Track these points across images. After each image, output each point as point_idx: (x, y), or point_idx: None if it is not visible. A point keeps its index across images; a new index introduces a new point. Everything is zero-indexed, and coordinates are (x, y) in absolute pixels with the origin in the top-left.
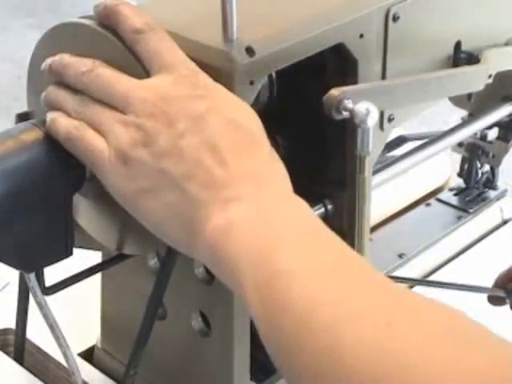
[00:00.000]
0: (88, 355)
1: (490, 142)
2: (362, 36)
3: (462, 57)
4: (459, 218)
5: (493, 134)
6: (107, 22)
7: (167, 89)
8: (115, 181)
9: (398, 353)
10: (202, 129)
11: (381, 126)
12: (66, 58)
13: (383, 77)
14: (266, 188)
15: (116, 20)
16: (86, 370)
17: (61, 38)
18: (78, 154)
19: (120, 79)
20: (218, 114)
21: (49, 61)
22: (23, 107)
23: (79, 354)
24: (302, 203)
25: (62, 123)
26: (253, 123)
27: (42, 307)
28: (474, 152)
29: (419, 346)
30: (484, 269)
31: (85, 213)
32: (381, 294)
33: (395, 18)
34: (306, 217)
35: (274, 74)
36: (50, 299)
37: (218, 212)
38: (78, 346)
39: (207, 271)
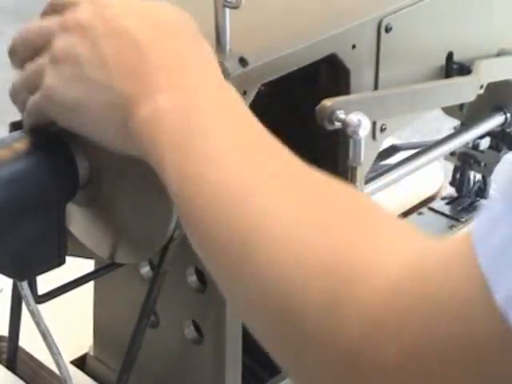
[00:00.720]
0: (80, 363)
1: (482, 152)
2: (354, 47)
3: (453, 67)
4: (451, 227)
5: (485, 143)
6: None
7: (79, 8)
8: (53, 109)
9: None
10: (116, 29)
11: (373, 135)
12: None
13: (375, 87)
14: (189, 76)
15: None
16: (78, 377)
17: None
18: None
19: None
20: (131, 11)
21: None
22: (16, 112)
23: (72, 362)
24: (231, 90)
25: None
26: (169, 15)
27: (35, 315)
28: (466, 161)
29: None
30: None
31: (77, 221)
32: (290, 171)
33: (388, 29)
34: (231, 103)
35: None
36: (42, 307)
37: (145, 103)
38: (70, 353)
39: (200, 280)
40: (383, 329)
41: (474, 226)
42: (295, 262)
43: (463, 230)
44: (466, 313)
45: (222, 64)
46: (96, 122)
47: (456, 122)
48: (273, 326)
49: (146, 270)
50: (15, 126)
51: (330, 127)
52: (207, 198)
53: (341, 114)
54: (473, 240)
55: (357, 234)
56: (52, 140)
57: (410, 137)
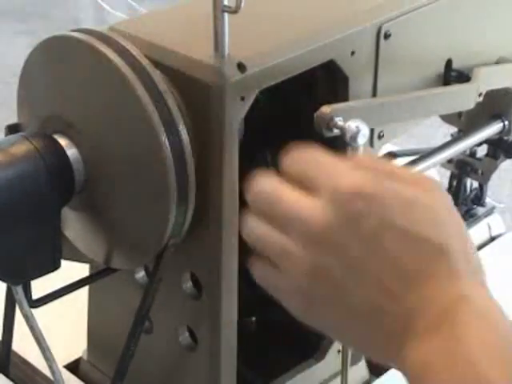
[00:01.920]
0: (74, 367)
1: (479, 159)
2: (353, 53)
3: (452, 75)
4: None
5: (482, 150)
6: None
7: (328, 214)
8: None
9: None
10: (378, 250)
11: (371, 143)
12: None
13: (374, 94)
14: (457, 314)
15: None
16: (71, 382)
17: (53, 50)
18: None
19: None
20: (391, 228)
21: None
22: (9, 112)
23: (65, 366)
24: (497, 313)
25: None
26: (438, 227)
27: (29, 319)
28: (462, 169)
29: None
30: None
31: (73, 226)
32: None
33: (387, 36)
34: (501, 334)
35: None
36: (36, 311)
37: (414, 346)
38: (64, 358)
39: (195, 286)
40: None
41: None
42: None
43: None
44: None
45: (220, 69)
46: (354, 340)
47: (451, 129)
48: None
49: (141, 275)
50: (12, 129)
51: (328, 134)
52: None
53: (339, 121)
54: None
55: None
56: (49, 145)
57: (406, 142)
